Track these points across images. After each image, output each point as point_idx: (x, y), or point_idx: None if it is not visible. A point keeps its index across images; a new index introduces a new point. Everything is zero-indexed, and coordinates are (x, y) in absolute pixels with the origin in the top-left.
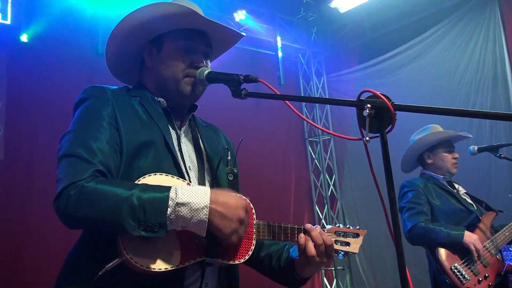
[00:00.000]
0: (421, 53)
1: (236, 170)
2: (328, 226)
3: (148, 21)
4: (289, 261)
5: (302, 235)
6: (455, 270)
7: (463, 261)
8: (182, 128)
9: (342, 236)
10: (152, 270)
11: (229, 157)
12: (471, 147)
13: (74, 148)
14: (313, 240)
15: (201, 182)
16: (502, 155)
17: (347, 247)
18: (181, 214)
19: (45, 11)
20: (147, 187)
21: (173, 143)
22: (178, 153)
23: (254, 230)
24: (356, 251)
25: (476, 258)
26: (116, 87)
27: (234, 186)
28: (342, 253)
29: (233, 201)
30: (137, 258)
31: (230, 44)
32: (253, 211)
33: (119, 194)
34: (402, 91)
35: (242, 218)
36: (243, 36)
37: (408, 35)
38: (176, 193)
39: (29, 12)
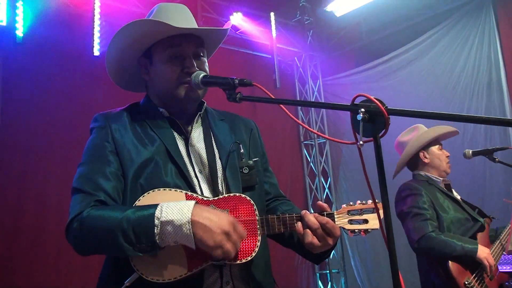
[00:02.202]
0: (417, 57)
1: (251, 162)
2: (343, 205)
3: (132, 39)
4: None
5: (299, 223)
6: (468, 286)
7: (473, 275)
8: (193, 130)
9: (358, 214)
10: (162, 281)
11: (242, 150)
12: (466, 151)
13: (80, 183)
14: (308, 226)
15: (214, 182)
16: (496, 159)
17: (366, 224)
18: (167, 231)
19: (40, 11)
20: (137, 209)
21: (178, 151)
22: (187, 159)
23: (258, 226)
24: (377, 226)
25: (488, 272)
26: (121, 109)
27: (251, 178)
28: (358, 231)
29: (217, 216)
30: (148, 273)
31: (220, 39)
32: (255, 207)
33: (113, 220)
34: (397, 95)
35: (227, 231)
36: (228, 28)
37: (404, 39)
38: (161, 212)
39: (24, 12)
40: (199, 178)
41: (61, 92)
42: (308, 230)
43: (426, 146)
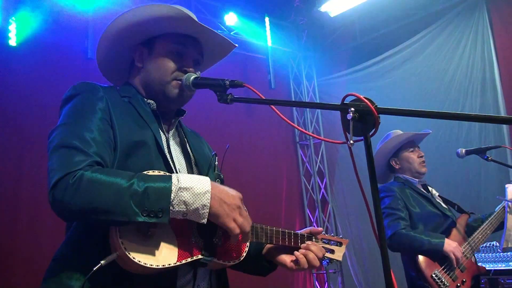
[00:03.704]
0: (411, 57)
1: (222, 176)
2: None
3: (142, 22)
4: (258, 249)
5: (302, 251)
6: (436, 278)
7: (442, 267)
8: (170, 132)
9: (327, 244)
10: (149, 266)
11: (216, 162)
12: (459, 150)
13: (68, 139)
14: (316, 253)
15: None
16: (489, 158)
17: (332, 254)
18: (184, 198)
19: (34, 14)
20: (147, 176)
21: (163, 145)
22: (168, 156)
23: None
24: (340, 258)
25: (455, 265)
26: (105, 85)
27: None
28: (327, 260)
29: (231, 190)
30: (134, 253)
31: (222, 54)
32: (247, 213)
33: (120, 182)
34: (392, 94)
35: (239, 206)
36: (235, 46)
37: (398, 38)
38: (178, 179)
39: (18, 16)
40: None
41: (55, 96)
42: (311, 254)
43: (395, 153)
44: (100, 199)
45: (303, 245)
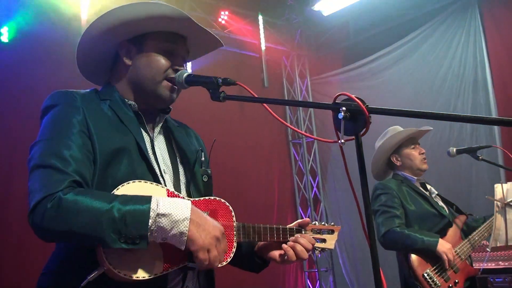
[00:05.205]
0: (403, 56)
1: (209, 171)
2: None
3: (134, 19)
4: (250, 246)
5: (290, 243)
6: (427, 277)
7: (434, 267)
8: (155, 131)
9: (318, 233)
10: (135, 278)
11: (202, 158)
12: (450, 149)
13: (46, 158)
14: (304, 246)
15: (176, 185)
16: (480, 157)
17: (324, 243)
18: (161, 225)
19: (26, 10)
20: (127, 199)
21: (146, 147)
22: (152, 157)
23: (235, 232)
24: (332, 247)
25: (447, 266)
26: (85, 91)
27: (208, 186)
28: (319, 249)
29: (212, 221)
30: (120, 268)
31: (207, 51)
32: (233, 213)
33: (99, 206)
34: (385, 94)
35: (218, 237)
36: (222, 46)
37: (391, 38)
38: (157, 204)
39: (9, 11)
40: (164, 179)
41: (49, 91)
42: (299, 247)
43: (396, 149)
44: (78, 225)
45: (291, 238)
